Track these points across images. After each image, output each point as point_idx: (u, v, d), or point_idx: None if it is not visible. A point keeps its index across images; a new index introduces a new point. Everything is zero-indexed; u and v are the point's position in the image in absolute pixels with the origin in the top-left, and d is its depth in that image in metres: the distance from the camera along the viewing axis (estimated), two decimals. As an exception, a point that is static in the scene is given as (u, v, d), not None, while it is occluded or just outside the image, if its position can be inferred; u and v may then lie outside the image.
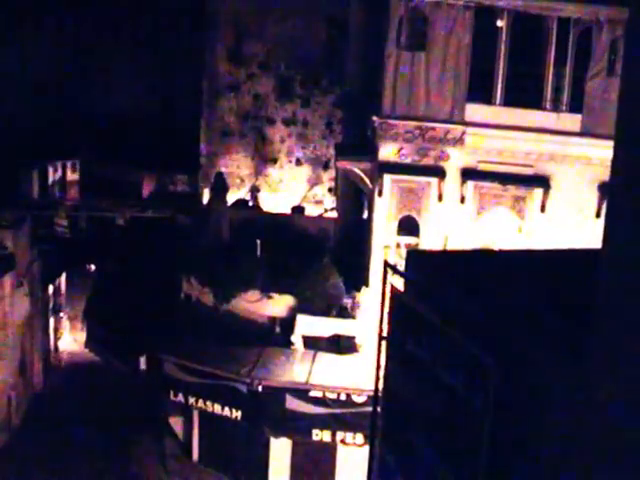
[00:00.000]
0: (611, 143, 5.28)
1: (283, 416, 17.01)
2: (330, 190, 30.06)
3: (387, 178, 17.98)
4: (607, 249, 5.11)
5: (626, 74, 5.26)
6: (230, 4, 29.74)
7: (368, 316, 17.18)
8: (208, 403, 17.84)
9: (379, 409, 8.23)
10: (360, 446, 16.53)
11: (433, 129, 17.73)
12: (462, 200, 17.94)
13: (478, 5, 17.23)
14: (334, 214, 25.11)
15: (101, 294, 22.67)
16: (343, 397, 16.65)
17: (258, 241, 20.10)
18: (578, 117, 17.58)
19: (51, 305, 26.20)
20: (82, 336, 24.03)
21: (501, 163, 17.76)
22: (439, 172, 17.88)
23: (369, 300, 17.52)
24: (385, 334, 8.04)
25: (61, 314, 27.54)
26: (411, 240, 18.08)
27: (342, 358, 17.99)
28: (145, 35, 31.71)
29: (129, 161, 29.75)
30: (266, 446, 18.64)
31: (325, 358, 18.04)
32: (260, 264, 19.45)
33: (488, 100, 17.87)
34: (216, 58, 30.33)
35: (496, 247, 17.26)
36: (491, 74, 17.74)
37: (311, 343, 18.38)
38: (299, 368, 17.62)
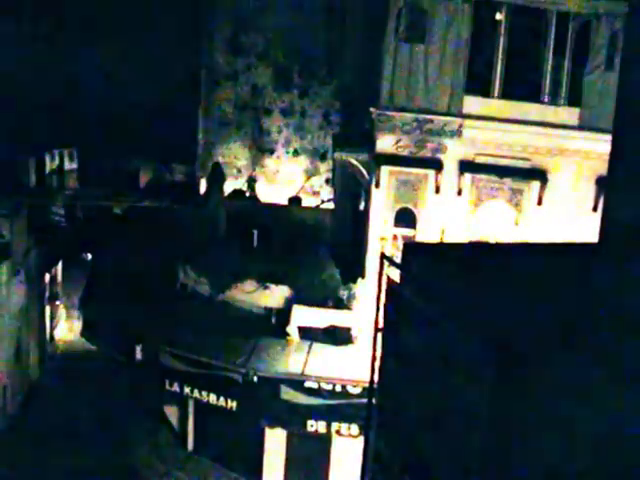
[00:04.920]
0: (609, 137, 5.29)
1: (278, 407, 17.04)
2: (327, 181, 30.07)
3: (384, 170, 17.97)
4: (603, 242, 5.12)
5: (625, 68, 5.26)
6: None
7: (364, 307, 17.21)
8: (203, 393, 17.87)
9: (374, 401, 8.24)
10: (355, 437, 16.58)
11: (431, 121, 17.71)
12: (459, 192, 17.95)
13: (477, -3, 17.22)
14: (331, 205, 25.11)
15: (97, 283, 22.64)
16: (338, 388, 16.69)
17: (255, 231, 20.10)
18: (576, 111, 17.58)
19: (47, 294, 26.18)
20: (78, 325, 24.05)
21: (499, 156, 17.75)
22: (436, 164, 17.88)
23: (365, 291, 17.53)
24: (381, 326, 8.05)
25: (57, 303, 27.53)
26: (408, 232, 18.08)
27: (338, 349, 18.02)
28: (143, 24, 31.59)
29: (127, 150, 29.68)
30: (261, 436, 18.68)
31: (321, 349, 18.07)
32: (256, 255, 19.47)
33: (486, 93, 17.85)
34: (214, 48, 30.29)
35: (493, 240, 17.28)
36: (489, 67, 17.72)
37: (307, 334, 18.41)
38: (295, 359, 17.65)
